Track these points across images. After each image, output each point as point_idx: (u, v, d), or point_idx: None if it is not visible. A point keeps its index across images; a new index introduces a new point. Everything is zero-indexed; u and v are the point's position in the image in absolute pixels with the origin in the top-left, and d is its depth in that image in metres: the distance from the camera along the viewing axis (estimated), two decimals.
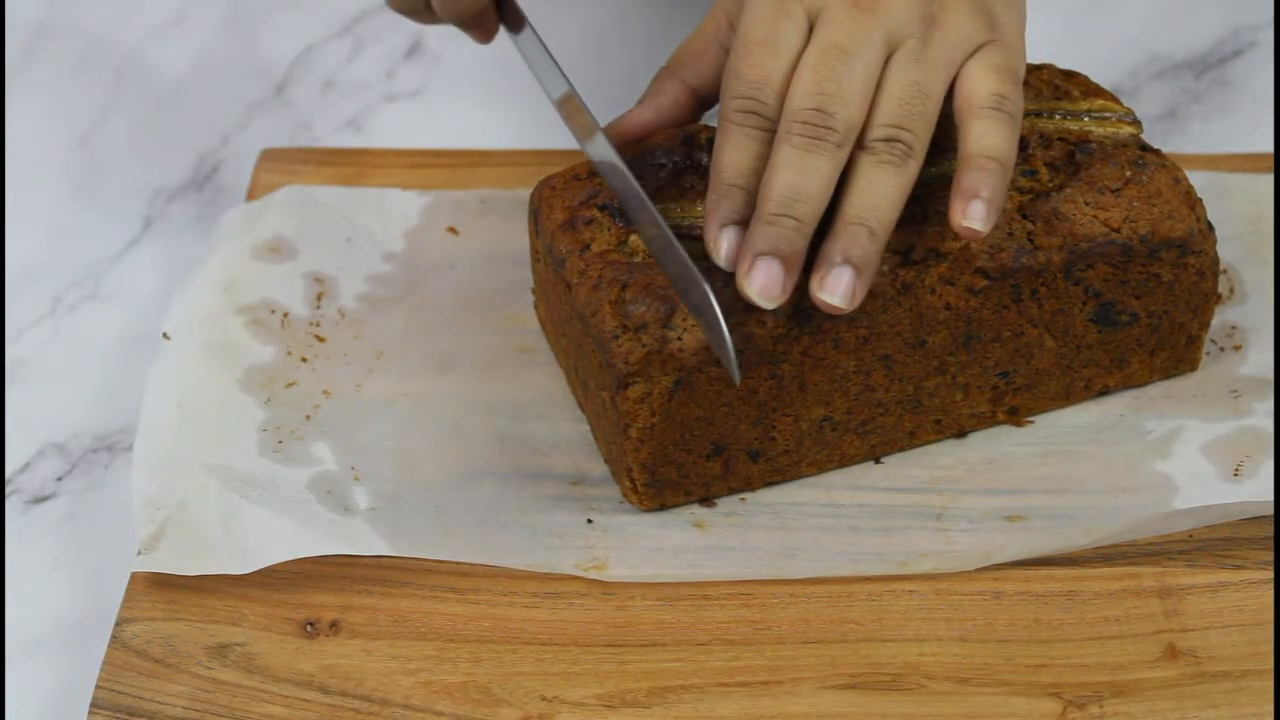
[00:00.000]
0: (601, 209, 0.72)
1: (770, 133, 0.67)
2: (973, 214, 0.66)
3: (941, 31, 0.67)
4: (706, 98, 0.76)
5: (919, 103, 0.66)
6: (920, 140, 0.66)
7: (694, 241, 0.69)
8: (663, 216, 0.70)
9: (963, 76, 0.68)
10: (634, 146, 0.74)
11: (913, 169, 0.66)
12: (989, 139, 0.67)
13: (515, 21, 0.75)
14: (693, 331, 0.68)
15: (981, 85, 0.67)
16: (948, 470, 0.74)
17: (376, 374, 0.79)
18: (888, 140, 0.66)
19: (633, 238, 0.71)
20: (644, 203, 0.69)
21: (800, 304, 0.67)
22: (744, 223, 0.67)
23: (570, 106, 0.73)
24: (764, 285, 0.66)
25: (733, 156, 0.67)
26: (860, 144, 0.66)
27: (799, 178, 0.65)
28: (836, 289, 0.66)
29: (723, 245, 0.67)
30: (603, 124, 0.73)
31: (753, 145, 0.67)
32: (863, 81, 0.66)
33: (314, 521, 0.71)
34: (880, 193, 0.66)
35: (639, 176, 0.71)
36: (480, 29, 0.75)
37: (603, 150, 0.72)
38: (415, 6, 0.74)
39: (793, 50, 0.67)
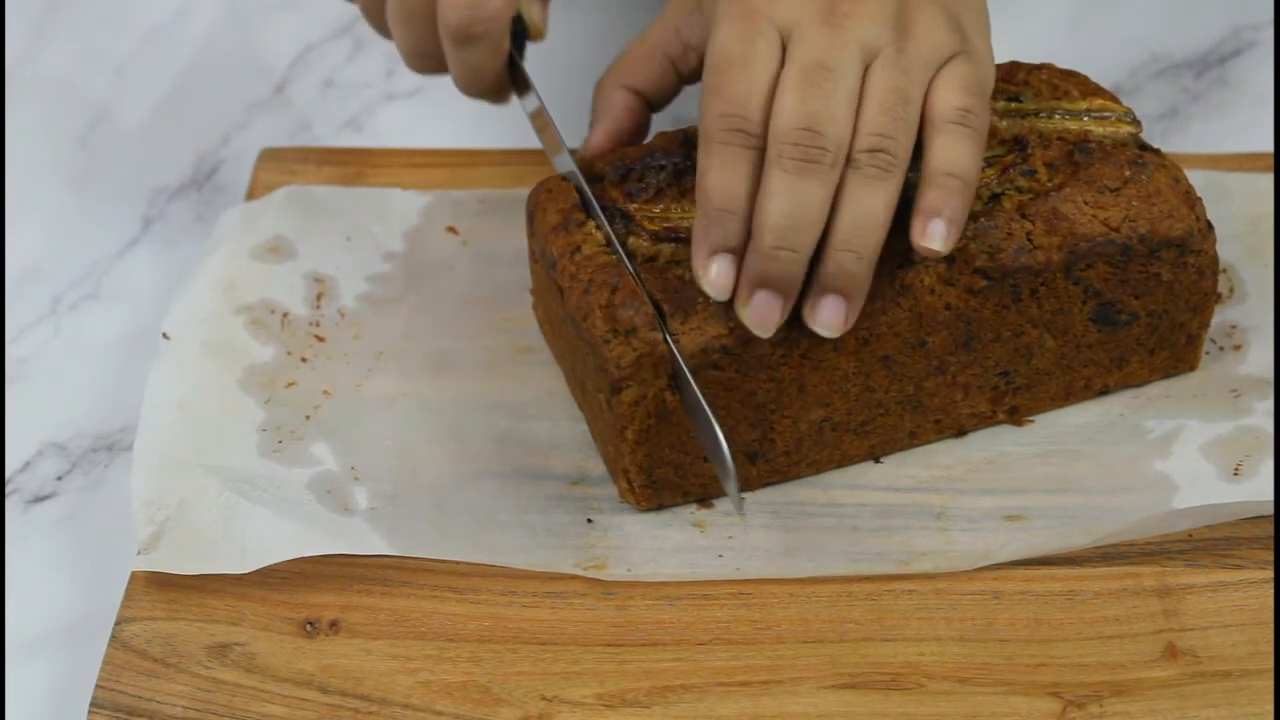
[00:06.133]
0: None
1: (756, 150, 0.66)
2: (932, 233, 0.67)
3: (915, 41, 0.67)
4: (652, 102, 0.76)
5: (900, 108, 0.66)
6: (903, 147, 0.66)
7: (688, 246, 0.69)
8: (663, 218, 0.71)
9: (930, 89, 0.68)
10: (635, 150, 0.74)
11: (898, 179, 0.66)
12: (951, 154, 0.67)
13: (523, 86, 0.77)
14: (688, 335, 0.68)
15: (947, 98, 0.67)
16: (947, 470, 0.74)
17: (376, 374, 0.79)
18: (871, 151, 0.65)
19: (631, 239, 0.71)
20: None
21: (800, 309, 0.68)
22: (734, 250, 0.66)
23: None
24: (762, 317, 0.66)
25: (720, 180, 0.66)
26: (846, 158, 0.66)
27: (795, 207, 0.65)
28: (827, 320, 0.67)
29: (712, 272, 0.66)
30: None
31: (741, 165, 0.66)
32: (847, 96, 0.66)
33: (314, 521, 0.71)
34: (866, 213, 0.65)
35: (639, 179, 0.71)
36: (497, 96, 0.78)
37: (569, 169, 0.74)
38: (437, 69, 0.77)
39: (769, 68, 0.67)
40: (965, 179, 0.67)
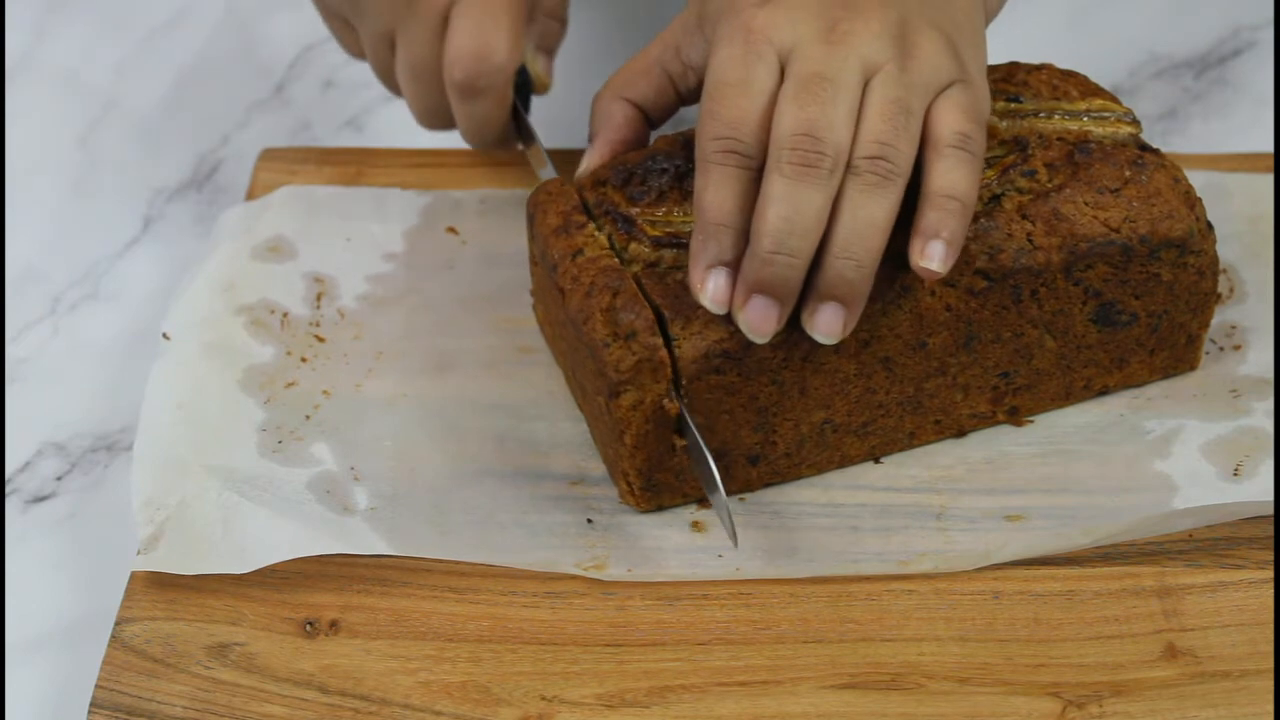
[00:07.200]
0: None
1: (751, 170, 0.66)
2: (931, 254, 0.66)
3: (917, 61, 0.67)
4: (651, 117, 0.76)
5: (901, 118, 0.66)
6: (904, 155, 0.66)
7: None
8: (666, 221, 0.71)
9: (930, 113, 0.68)
10: (637, 154, 0.74)
11: (899, 186, 0.66)
12: (951, 177, 0.67)
13: (528, 138, 0.81)
14: (689, 340, 0.68)
15: (947, 123, 0.67)
16: (947, 470, 0.74)
17: (376, 374, 0.79)
18: (872, 158, 0.65)
19: (633, 245, 0.71)
20: None
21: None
22: (730, 263, 0.66)
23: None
24: (758, 321, 0.66)
25: (715, 196, 0.66)
26: (846, 165, 0.66)
27: (793, 212, 0.64)
28: (825, 327, 0.66)
29: (709, 286, 0.66)
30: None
31: (735, 184, 0.66)
32: (847, 104, 0.65)
33: (314, 521, 0.71)
34: (866, 220, 0.65)
35: (641, 182, 0.72)
36: (502, 147, 0.83)
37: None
38: (448, 125, 0.82)
39: (767, 90, 0.66)
40: (964, 202, 0.67)
